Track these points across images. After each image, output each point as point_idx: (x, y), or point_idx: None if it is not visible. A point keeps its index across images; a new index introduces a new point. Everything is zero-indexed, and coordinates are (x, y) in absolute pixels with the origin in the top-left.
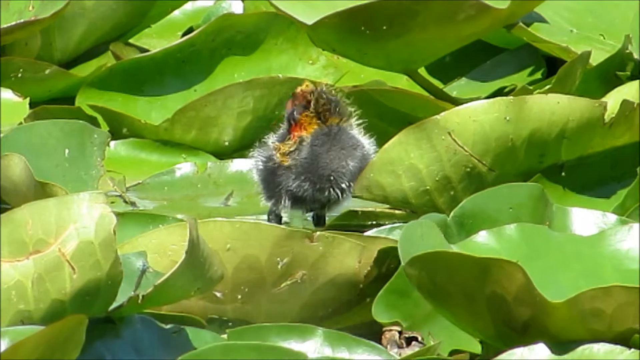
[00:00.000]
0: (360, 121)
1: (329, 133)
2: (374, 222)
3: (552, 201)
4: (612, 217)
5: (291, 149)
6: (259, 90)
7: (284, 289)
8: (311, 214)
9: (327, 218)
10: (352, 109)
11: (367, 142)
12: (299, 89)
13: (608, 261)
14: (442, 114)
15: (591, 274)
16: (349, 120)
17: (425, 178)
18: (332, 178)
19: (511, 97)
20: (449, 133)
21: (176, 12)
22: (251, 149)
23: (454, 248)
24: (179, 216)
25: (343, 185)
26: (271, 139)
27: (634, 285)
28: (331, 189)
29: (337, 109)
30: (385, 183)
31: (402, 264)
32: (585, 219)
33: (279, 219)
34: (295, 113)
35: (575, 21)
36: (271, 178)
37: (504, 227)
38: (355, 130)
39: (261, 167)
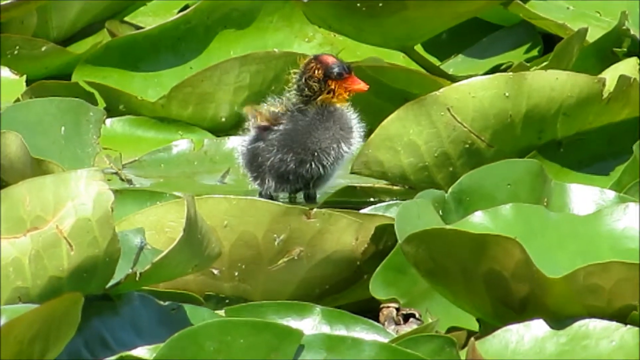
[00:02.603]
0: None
1: (330, 111)
2: (372, 199)
3: (550, 177)
4: (610, 194)
5: (278, 111)
6: (255, 65)
7: (281, 265)
8: (300, 194)
9: (318, 195)
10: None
11: (358, 127)
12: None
13: (604, 240)
14: (442, 90)
15: (587, 253)
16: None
17: (424, 154)
18: (315, 154)
19: (510, 73)
20: (448, 109)
21: None
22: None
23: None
24: (176, 193)
25: (325, 162)
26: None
27: (632, 262)
28: (313, 163)
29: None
30: (384, 159)
31: (399, 242)
32: (584, 195)
33: (270, 199)
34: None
35: None
36: (254, 158)
37: (500, 207)
38: (350, 113)
39: (244, 150)
